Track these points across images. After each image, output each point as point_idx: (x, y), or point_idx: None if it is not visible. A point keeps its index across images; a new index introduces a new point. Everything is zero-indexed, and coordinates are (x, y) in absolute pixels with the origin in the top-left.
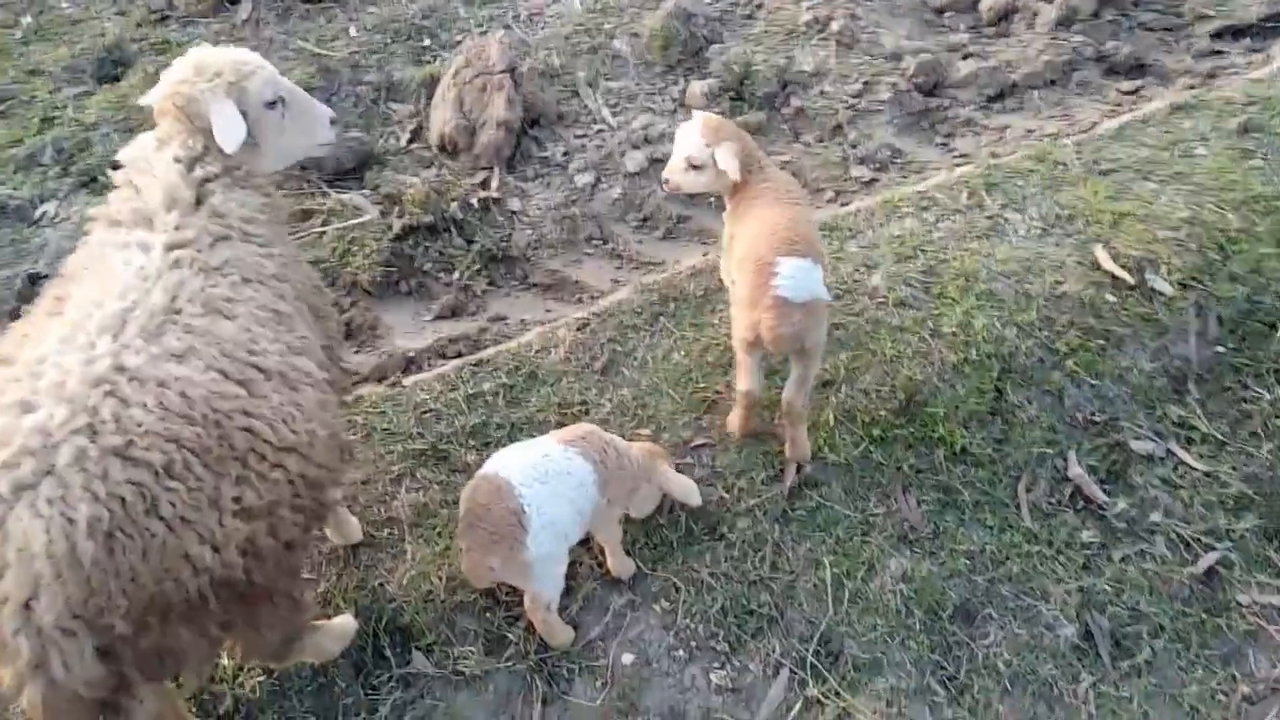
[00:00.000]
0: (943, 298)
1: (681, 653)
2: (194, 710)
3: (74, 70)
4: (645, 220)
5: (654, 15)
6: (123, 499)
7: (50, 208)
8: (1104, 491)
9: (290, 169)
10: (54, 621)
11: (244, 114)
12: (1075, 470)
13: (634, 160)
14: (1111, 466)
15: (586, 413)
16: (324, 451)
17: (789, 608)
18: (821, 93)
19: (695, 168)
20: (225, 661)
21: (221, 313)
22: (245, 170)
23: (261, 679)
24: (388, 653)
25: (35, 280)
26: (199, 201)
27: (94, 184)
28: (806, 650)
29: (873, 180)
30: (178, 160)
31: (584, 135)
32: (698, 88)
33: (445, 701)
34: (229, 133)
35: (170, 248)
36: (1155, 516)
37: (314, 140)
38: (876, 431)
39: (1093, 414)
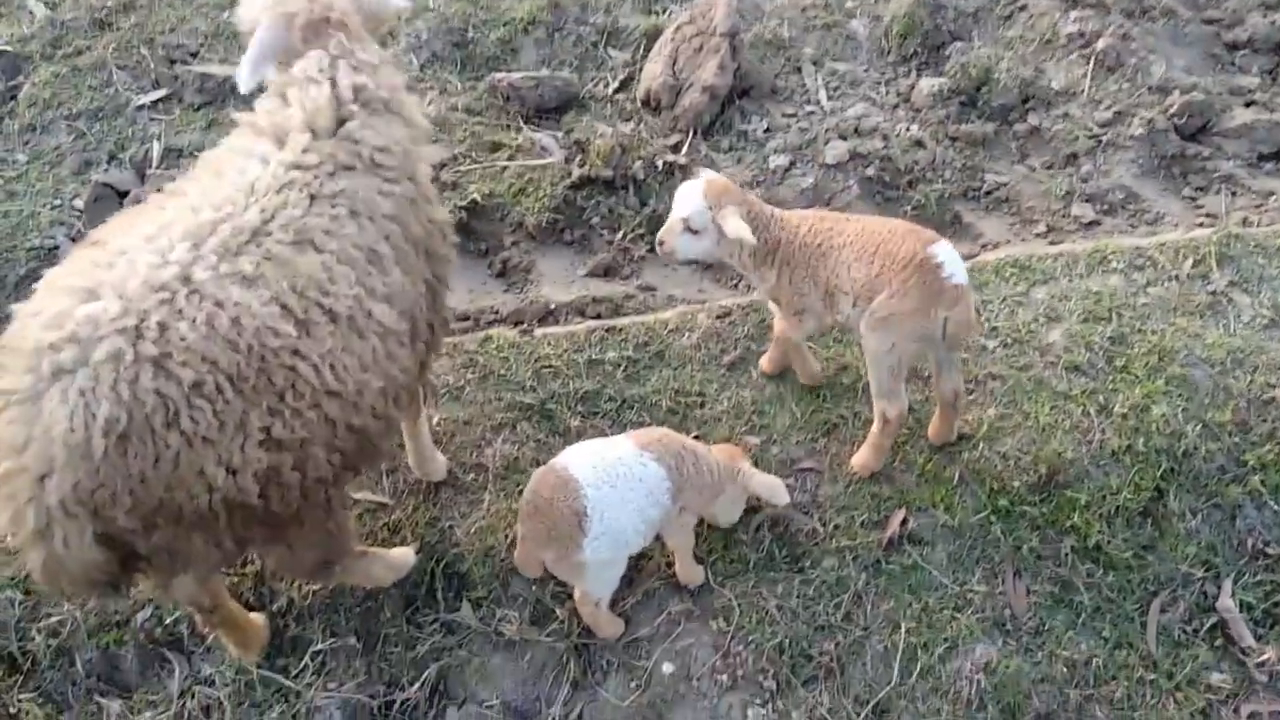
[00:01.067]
0: (1125, 372)
1: (725, 678)
2: (250, 600)
3: None
4: None
5: (900, 0)
6: (146, 406)
7: None
8: (1254, 634)
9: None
10: (59, 501)
11: None
12: (1225, 602)
13: (835, 150)
14: (1271, 608)
15: (701, 405)
16: (375, 401)
17: (851, 664)
18: (1065, 115)
19: (692, 231)
20: None
21: (312, 244)
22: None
23: (317, 587)
24: (439, 595)
25: None
26: (342, 122)
27: None
28: (858, 714)
29: (1094, 223)
30: (333, 82)
31: (792, 115)
32: (926, 86)
33: (481, 658)
34: None
35: (289, 168)
36: None
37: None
38: (1003, 502)
39: (1265, 544)
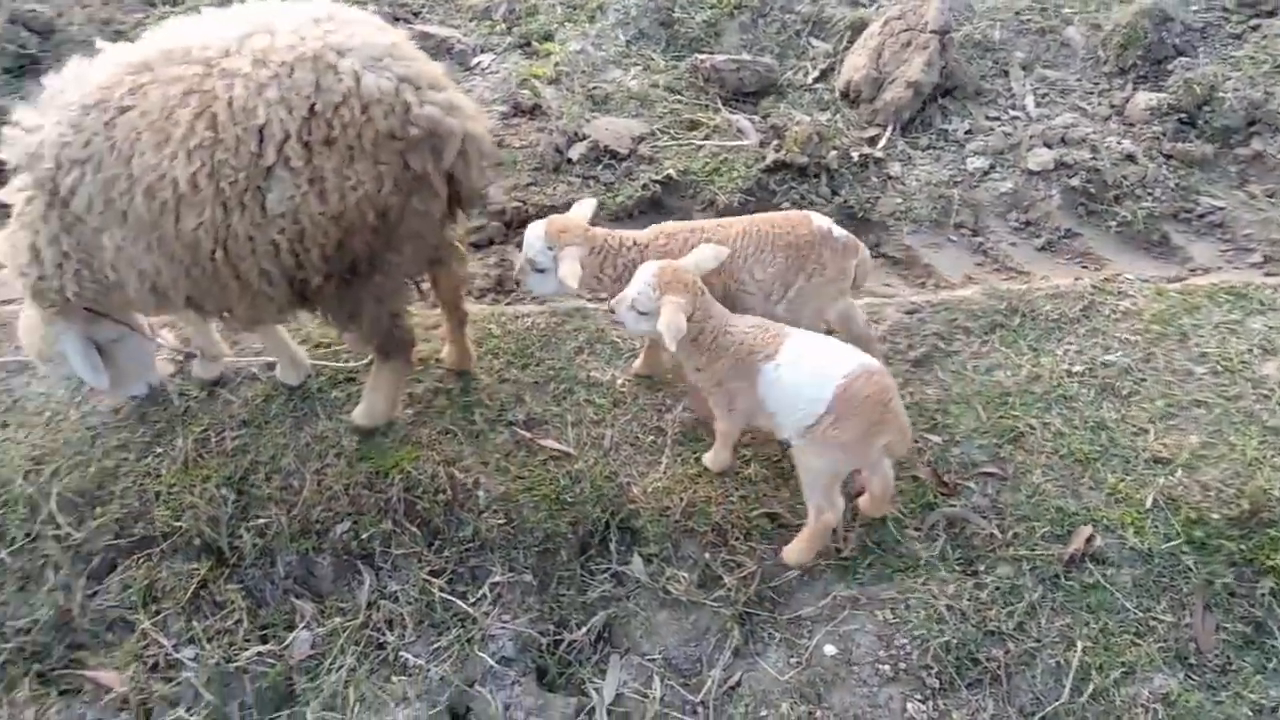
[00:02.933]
0: None
1: (887, 669)
2: (442, 527)
3: None
4: (1027, 224)
5: (1123, 9)
6: None
7: (486, 59)
8: None
9: (693, 81)
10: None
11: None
12: None
13: (1039, 158)
14: None
15: None
16: None
17: (1019, 675)
18: None
19: (539, 270)
20: (481, 495)
21: None
22: None
23: (500, 522)
24: (612, 546)
25: None
26: None
27: (528, 47)
28: None
29: None
30: None
31: (996, 118)
32: (1143, 100)
33: (646, 613)
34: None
35: None
36: None
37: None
38: (1198, 533)
39: None
